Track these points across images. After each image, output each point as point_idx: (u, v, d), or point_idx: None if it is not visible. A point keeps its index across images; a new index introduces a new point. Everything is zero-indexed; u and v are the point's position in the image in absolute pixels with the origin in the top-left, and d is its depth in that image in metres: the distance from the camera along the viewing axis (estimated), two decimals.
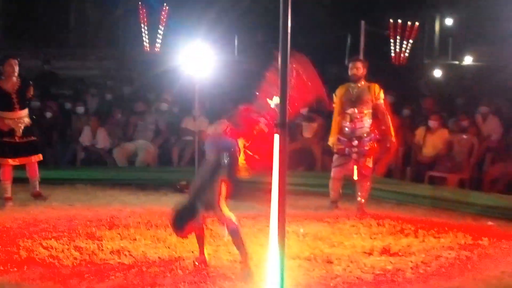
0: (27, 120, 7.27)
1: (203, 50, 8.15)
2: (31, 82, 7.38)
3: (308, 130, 9.58)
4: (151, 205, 7.36)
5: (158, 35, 18.82)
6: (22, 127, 7.19)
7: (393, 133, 6.76)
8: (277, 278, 3.29)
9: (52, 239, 5.58)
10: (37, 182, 7.47)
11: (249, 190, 8.16)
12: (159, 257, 5.10)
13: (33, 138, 7.29)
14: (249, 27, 18.79)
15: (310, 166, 9.35)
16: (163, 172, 9.12)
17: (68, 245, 5.40)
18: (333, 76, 16.78)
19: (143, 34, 18.79)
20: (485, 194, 7.52)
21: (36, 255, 5.09)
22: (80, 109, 10.44)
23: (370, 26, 8.90)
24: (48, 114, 10.16)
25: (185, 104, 10.52)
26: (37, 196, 7.44)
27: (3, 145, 7.13)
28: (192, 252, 5.22)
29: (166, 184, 8.50)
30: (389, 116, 6.83)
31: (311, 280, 4.62)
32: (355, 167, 6.76)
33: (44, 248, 5.29)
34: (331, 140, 7.03)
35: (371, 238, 5.81)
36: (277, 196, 3.34)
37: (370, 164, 6.72)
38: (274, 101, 5.15)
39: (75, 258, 5.03)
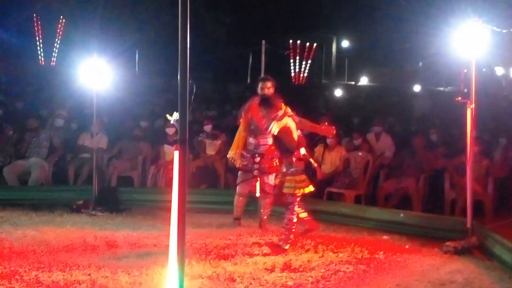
0: None
1: (102, 64, 7.94)
2: None
3: (211, 148, 9.56)
4: (44, 226, 6.99)
5: (54, 49, 18.20)
6: None
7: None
8: None
9: None
10: None
11: (150, 209, 8.06)
12: (52, 281, 4.83)
13: None
14: (149, 42, 18.60)
15: (213, 184, 9.32)
16: (58, 191, 8.70)
17: None
18: (235, 94, 17.01)
19: (38, 48, 18.11)
20: (379, 209, 7.82)
21: None
22: None
23: (270, 46, 9.06)
24: None
25: (83, 120, 10.18)
26: None
27: None
28: (89, 274, 5.00)
29: (61, 204, 8.13)
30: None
31: None
32: (257, 183, 6.81)
33: None
34: (231, 154, 7.03)
35: (272, 255, 5.84)
36: (177, 214, 3.28)
37: (272, 182, 6.79)
38: (174, 117, 5.11)
39: None
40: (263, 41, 8.79)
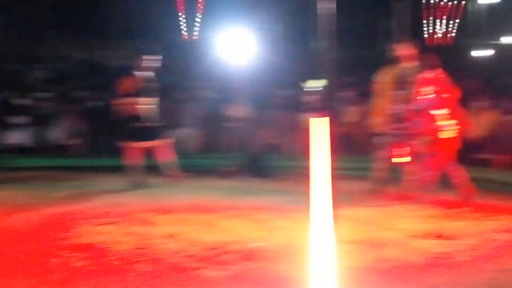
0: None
1: (244, 36, 8.14)
2: None
3: (351, 114, 9.50)
4: (199, 191, 7.43)
5: (195, 23, 18.83)
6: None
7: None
8: (329, 260, 3.29)
9: (109, 225, 5.71)
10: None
11: (296, 175, 8.24)
12: (210, 241, 5.16)
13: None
14: (291, 13, 18.64)
15: (351, 150, 9.28)
16: (210, 158, 9.18)
17: (123, 230, 5.52)
18: (372, 59, 16.61)
19: (181, 23, 18.84)
20: None
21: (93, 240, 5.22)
22: None
23: (403, 7, 8.69)
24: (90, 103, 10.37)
25: (230, 92, 10.57)
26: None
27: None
28: (243, 236, 5.27)
29: (213, 170, 8.58)
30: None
31: (362, 263, 4.58)
32: (403, 148, 6.64)
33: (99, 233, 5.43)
34: (376, 121, 6.87)
35: (420, 222, 5.74)
36: (325, 179, 3.33)
37: (419, 146, 6.58)
38: (311, 85, 5.09)
39: (129, 243, 5.13)
40: (397, 3, 8.42)
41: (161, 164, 7.97)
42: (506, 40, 21.71)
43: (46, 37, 17.99)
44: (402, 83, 6.44)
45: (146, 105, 7.81)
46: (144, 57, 8.01)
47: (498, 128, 8.36)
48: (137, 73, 7.91)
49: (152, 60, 8.04)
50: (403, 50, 6.66)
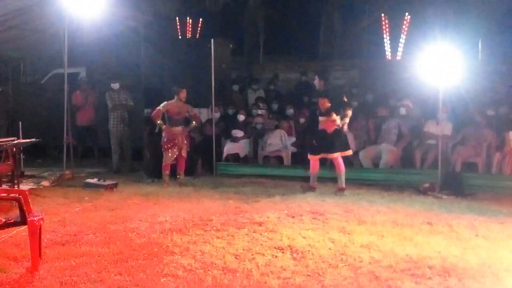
0: None
1: (446, 54, 7.84)
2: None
3: None
4: (395, 204, 7.31)
5: (399, 44, 18.56)
6: None
7: None
8: None
9: (309, 230, 5.92)
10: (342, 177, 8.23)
11: (495, 195, 7.66)
12: (406, 255, 5.05)
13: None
14: (493, 30, 17.43)
15: None
16: (406, 174, 8.97)
17: (323, 236, 5.68)
18: None
19: (385, 44, 18.72)
20: None
21: (297, 243, 5.45)
22: None
23: None
24: (301, 120, 10.78)
25: (428, 108, 10.21)
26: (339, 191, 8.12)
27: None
28: (439, 252, 5.07)
29: (409, 185, 8.37)
30: None
31: None
32: None
33: (303, 237, 5.64)
34: None
35: None
36: None
37: None
38: None
39: (330, 249, 5.26)
40: None
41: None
42: None
43: (264, 61, 19.33)
44: None
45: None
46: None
47: None
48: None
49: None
50: None
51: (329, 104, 8.10)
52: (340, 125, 8.07)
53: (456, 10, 16.06)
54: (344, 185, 8.12)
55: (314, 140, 8.36)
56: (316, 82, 8.54)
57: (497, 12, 17.88)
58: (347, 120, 8.16)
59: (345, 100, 8.44)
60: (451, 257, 4.93)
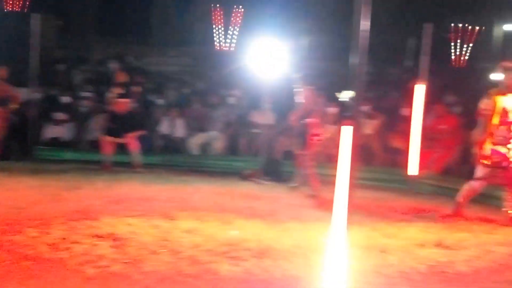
0: None
1: (274, 48, 8.17)
2: None
3: (369, 127, 9.44)
4: (220, 190, 7.47)
5: (232, 35, 18.96)
6: None
7: None
8: (339, 264, 3.29)
9: (133, 217, 5.77)
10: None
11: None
12: (226, 238, 5.17)
13: None
14: (318, 28, 18.66)
15: (368, 162, 9.21)
16: (232, 161, 9.22)
17: (146, 222, 5.58)
18: (393, 76, 16.49)
19: (216, 34, 19.00)
20: None
21: (118, 231, 5.27)
22: (160, 101, 10.73)
23: (434, 29, 8.59)
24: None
25: (254, 99, 10.60)
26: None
27: None
28: (257, 235, 5.28)
29: (234, 172, 8.61)
30: None
31: (367, 267, 4.56)
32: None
33: (125, 224, 5.48)
34: (485, 150, 5.84)
35: (425, 231, 5.67)
36: (344, 186, 3.33)
37: None
38: (345, 95, 5.02)
39: (152, 235, 5.18)
40: (428, 25, 8.31)
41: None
42: None
43: (94, 42, 18.40)
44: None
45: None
46: None
47: None
48: None
49: None
50: None
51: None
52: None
53: (285, 6, 16.88)
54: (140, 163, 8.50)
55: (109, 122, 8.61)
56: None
57: (323, 12, 19.20)
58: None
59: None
60: (267, 240, 5.15)
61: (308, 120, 7.21)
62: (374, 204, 6.88)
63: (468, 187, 6.10)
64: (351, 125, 3.30)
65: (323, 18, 18.85)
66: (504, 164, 5.77)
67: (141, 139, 10.07)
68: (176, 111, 10.14)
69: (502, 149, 5.76)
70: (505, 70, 5.79)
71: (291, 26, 16.41)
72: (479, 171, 5.96)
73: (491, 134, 5.75)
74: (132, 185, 7.51)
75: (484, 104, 5.82)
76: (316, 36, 18.59)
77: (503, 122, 5.68)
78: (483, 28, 21.79)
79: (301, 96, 7.34)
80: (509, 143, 5.70)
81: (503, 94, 5.67)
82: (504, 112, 5.70)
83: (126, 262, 4.39)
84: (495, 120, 5.73)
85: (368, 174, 8.31)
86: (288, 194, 7.49)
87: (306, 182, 7.40)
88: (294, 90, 7.53)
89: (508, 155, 5.72)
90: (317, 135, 7.28)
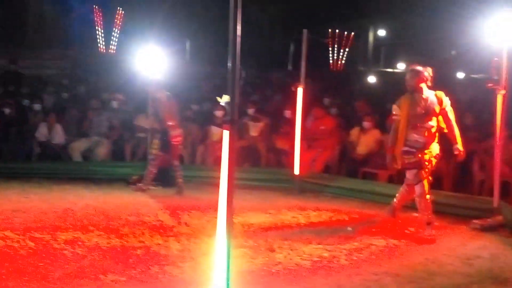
0: None
1: (157, 52, 8.04)
2: None
3: (254, 129, 9.60)
4: (104, 197, 7.20)
5: (113, 37, 18.46)
6: None
7: (459, 139, 5.74)
8: (224, 266, 3.30)
9: (8, 230, 5.37)
10: None
11: (198, 184, 8.19)
12: (111, 246, 4.99)
13: None
14: (199, 32, 18.73)
15: (255, 162, 9.37)
16: (116, 167, 8.91)
17: (23, 235, 5.22)
18: (276, 80, 16.99)
19: (98, 36, 18.39)
20: None
21: None
22: (37, 106, 10.13)
23: (311, 34, 8.93)
24: (7, 111, 9.79)
25: (139, 103, 10.35)
26: None
27: None
28: (144, 242, 5.16)
29: (119, 178, 8.34)
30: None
31: (255, 267, 4.64)
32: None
33: (0, 238, 5.09)
34: (397, 152, 5.75)
35: (309, 228, 5.87)
36: (226, 188, 3.34)
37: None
38: (224, 99, 5.05)
39: (30, 248, 4.87)
40: (305, 30, 8.63)
41: None
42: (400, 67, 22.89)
43: None
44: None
45: None
46: None
47: (382, 145, 8.71)
48: None
49: None
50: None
51: None
52: None
53: (166, 10, 16.72)
54: None
55: None
56: None
57: (205, 17, 19.29)
58: None
59: None
60: (154, 246, 5.06)
61: (167, 123, 7.61)
62: (261, 205, 6.99)
63: (403, 190, 5.98)
64: (227, 129, 3.31)
65: (207, 22, 18.97)
66: (418, 166, 5.64)
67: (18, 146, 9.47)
68: (54, 117, 9.61)
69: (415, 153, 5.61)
70: (411, 72, 5.78)
71: (175, 30, 16.32)
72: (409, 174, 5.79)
73: (403, 139, 5.68)
74: (8, 196, 7.01)
75: (394, 109, 5.83)
76: (201, 40, 18.64)
77: (414, 126, 5.65)
78: (355, 33, 23.18)
79: (158, 100, 7.73)
80: (424, 147, 5.63)
81: (411, 98, 5.69)
82: (413, 116, 5.65)
83: None
84: (406, 124, 5.67)
85: (254, 174, 8.46)
86: (176, 198, 7.41)
87: (146, 179, 7.72)
88: (152, 95, 7.90)
89: (423, 158, 5.61)
90: (176, 137, 7.69)
